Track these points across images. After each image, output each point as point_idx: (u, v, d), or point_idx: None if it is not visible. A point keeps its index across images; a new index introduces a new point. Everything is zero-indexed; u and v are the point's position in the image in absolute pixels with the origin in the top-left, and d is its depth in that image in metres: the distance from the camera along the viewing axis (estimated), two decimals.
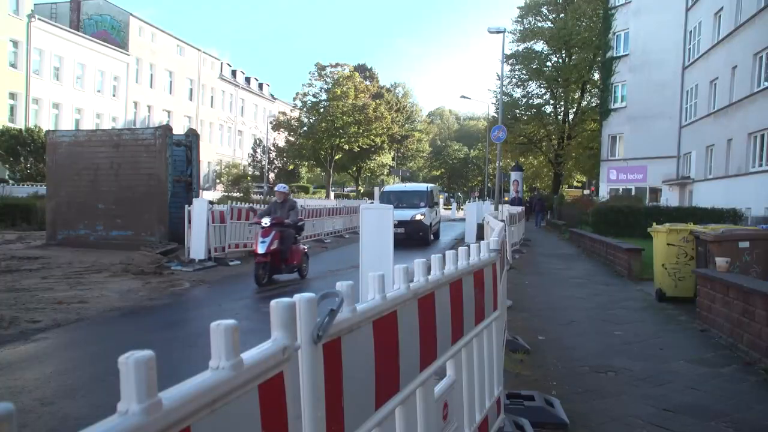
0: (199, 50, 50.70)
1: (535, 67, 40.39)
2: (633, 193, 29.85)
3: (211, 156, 50.51)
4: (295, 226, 10.01)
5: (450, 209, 43.91)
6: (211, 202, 13.29)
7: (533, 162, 47.41)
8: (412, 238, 16.73)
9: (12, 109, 33.62)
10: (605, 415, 3.96)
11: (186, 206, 12.29)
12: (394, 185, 24.49)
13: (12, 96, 33.52)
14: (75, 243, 13.88)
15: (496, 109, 37.21)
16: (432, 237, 18.61)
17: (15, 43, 33.39)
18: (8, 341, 5.73)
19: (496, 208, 16.96)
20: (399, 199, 18.67)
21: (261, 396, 1.02)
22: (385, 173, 56.46)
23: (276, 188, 10.47)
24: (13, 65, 33.34)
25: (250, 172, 51.04)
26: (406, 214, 16.83)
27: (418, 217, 17.33)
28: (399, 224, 15.06)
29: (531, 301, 8.41)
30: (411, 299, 1.89)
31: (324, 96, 50.33)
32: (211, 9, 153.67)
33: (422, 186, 20.92)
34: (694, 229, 8.35)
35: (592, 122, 39.21)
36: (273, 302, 1.13)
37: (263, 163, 49.99)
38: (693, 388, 4.58)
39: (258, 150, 52.93)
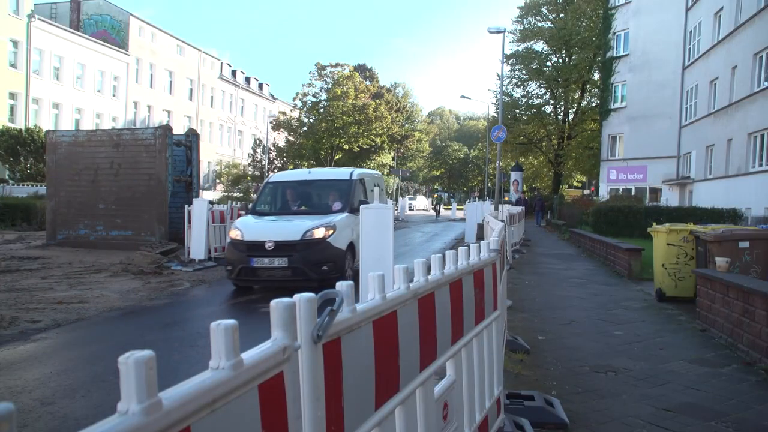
0: (199, 50, 50.70)
1: (535, 67, 40.44)
2: (633, 193, 29.85)
3: (211, 156, 50.52)
4: None
5: (449, 209, 43.80)
6: (211, 202, 13.30)
7: (533, 162, 47.44)
8: (305, 277, 8.28)
9: (12, 109, 33.61)
10: (605, 415, 3.96)
11: (186, 206, 12.31)
12: (290, 171, 14.02)
13: (12, 96, 33.51)
14: (75, 243, 13.90)
15: (496, 109, 37.23)
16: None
17: (15, 43, 33.38)
18: (8, 341, 5.74)
19: (496, 208, 16.89)
20: (298, 198, 10.24)
21: (261, 396, 1.02)
22: (385, 173, 56.43)
23: None
24: (13, 65, 33.33)
25: (250, 172, 51.04)
26: (293, 228, 8.74)
27: (318, 233, 8.62)
28: (277, 249, 8.41)
29: (531, 301, 8.41)
30: (411, 299, 1.89)
31: (324, 96, 50.30)
32: (211, 9, 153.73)
33: (341, 172, 10.93)
34: (694, 229, 8.35)
35: (592, 122, 39.24)
36: (273, 302, 1.13)
37: (263, 163, 49.97)
38: (693, 388, 4.57)
39: (258, 150, 52.92)
